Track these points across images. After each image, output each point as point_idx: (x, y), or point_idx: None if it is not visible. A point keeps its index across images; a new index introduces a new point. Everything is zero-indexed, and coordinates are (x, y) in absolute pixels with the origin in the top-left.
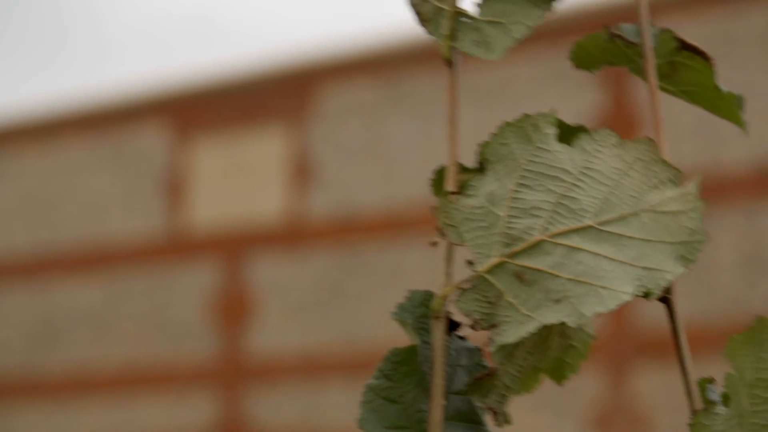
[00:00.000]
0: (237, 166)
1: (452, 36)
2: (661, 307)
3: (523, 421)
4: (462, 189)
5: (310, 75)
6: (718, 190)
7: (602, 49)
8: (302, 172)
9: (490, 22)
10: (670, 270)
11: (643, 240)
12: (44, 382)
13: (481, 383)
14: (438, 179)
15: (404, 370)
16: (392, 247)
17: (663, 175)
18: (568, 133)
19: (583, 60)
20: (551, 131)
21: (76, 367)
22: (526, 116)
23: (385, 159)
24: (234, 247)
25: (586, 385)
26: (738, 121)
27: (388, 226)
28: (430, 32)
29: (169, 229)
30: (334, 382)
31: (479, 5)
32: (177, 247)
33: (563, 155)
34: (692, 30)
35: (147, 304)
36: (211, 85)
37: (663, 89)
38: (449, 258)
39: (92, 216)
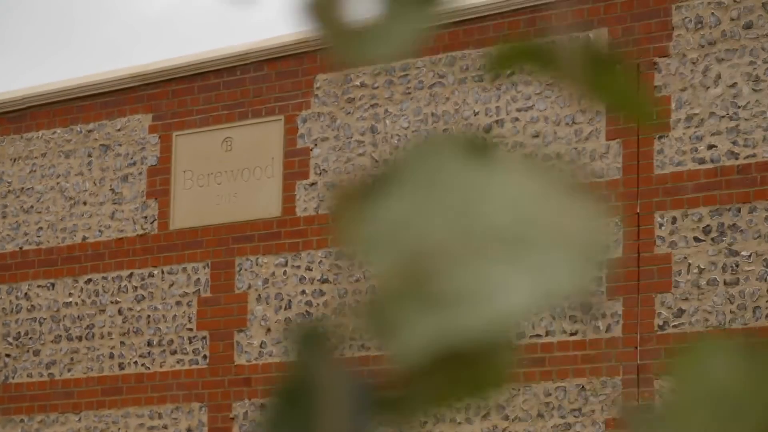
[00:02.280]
0: (231, 163)
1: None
2: None
3: None
4: (364, 203)
5: (309, 69)
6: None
7: None
8: (299, 168)
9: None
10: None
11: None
12: (22, 390)
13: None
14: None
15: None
16: None
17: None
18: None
19: None
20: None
21: (56, 374)
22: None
23: (384, 153)
24: (227, 246)
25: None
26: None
27: None
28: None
29: (158, 228)
30: None
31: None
32: (166, 247)
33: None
34: None
35: (132, 307)
36: (206, 79)
37: None
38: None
39: (75, 215)
